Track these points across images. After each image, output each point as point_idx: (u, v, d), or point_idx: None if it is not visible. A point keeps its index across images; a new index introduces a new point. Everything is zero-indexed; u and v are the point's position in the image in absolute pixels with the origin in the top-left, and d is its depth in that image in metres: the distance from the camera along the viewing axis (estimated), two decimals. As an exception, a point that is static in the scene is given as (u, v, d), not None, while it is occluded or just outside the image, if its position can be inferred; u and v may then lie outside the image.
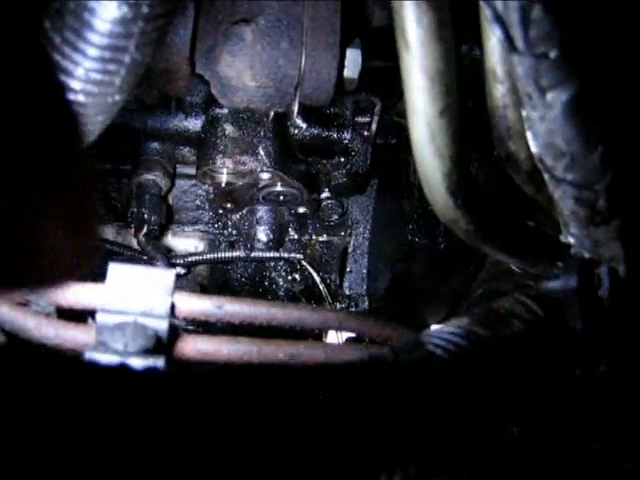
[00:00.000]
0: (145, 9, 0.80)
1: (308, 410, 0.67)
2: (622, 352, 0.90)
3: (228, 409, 0.63)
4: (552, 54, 0.75)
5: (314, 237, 2.04)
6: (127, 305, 0.97)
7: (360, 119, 1.63)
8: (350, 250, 2.10)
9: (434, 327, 0.86)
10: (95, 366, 0.60)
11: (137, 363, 0.80)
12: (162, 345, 0.94)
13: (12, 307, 0.98)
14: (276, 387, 0.67)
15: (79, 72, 0.85)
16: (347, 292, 2.10)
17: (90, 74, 0.85)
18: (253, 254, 1.89)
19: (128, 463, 0.56)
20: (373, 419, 0.69)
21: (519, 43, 0.76)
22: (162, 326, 0.96)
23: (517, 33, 0.75)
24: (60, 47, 0.84)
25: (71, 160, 0.52)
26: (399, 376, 0.73)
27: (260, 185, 1.66)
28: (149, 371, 0.63)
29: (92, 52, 0.83)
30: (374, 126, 1.61)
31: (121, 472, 0.56)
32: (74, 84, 0.86)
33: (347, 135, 1.67)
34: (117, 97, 0.90)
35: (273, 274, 2.06)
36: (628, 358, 0.91)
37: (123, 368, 0.59)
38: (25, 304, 1.01)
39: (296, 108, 1.44)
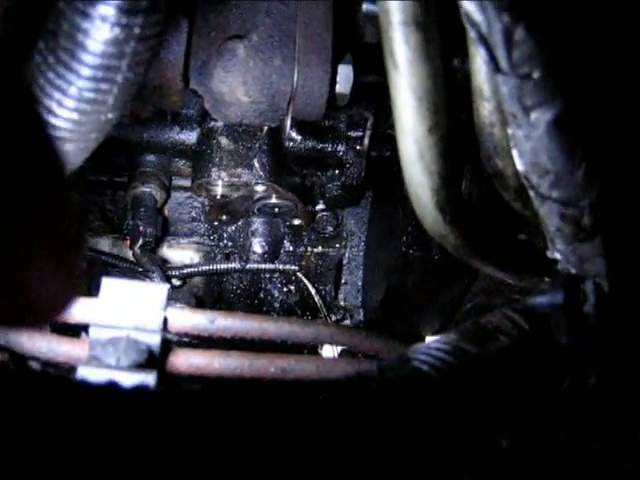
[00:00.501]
0: (137, 30, 0.81)
1: (294, 426, 0.68)
2: (608, 365, 0.91)
3: (217, 425, 0.64)
4: (535, 75, 0.77)
5: (309, 249, 2.05)
6: (120, 320, 0.98)
7: (353, 133, 1.64)
8: (345, 262, 2.11)
9: (421, 343, 0.87)
10: (85, 384, 0.61)
11: (128, 379, 0.81)
12: (154, 359, 0.95)
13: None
14: (263, 403, 0.68)
15: (73, 91, 0.86)
16: (342, 304, 2.11)
17: (83, 93, 0.86)
18: (248, 266, 1.90)
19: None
20: (358, 435, 0.70)
21: (503, 64, 0.77)
22: (155, 340, 0.97)
23: (501, 54, 0.76)
24: (54, 66, 0.85)
25: (54, 189, 0.52)
26: (384, 393, 0.74)
27: (255, 197, 1.67)
28: (140, 389, 0.64)
29: (85, 72, 0.85)
30: (367, 140, 1.62)
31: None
32: (68, 102, 0.88)
33: (341, 148, 1.68)
34: (110, 115, 0.91)
35: (268, 286, 2.07)
36: (614, 370, 0.92)
37: (113, 386, 0.59)
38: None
39: (289, 123, 1.46)
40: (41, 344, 0.97)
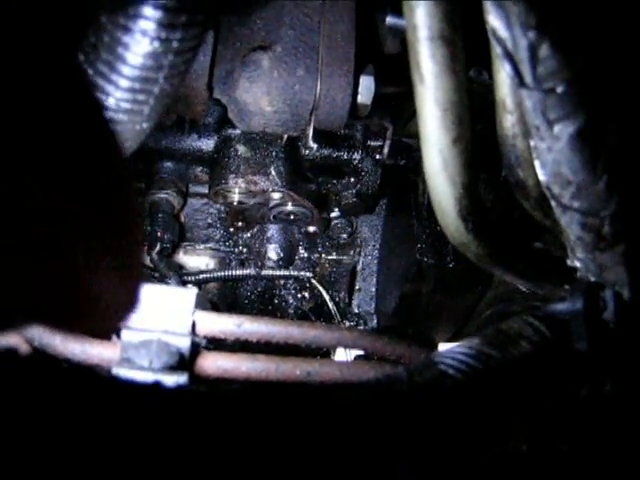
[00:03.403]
0: (175, 44, 0.84)
1: (324, 428, 0.70)
2: (626, 372, 0.94)
3: (245, 426, 0.66)
4: (559, 89, 0.80)
5: (324, 256, 2.06)
6: (150, 323, 1.01)
7: (372, 143, 1.66)
8: (359, 269, 2.12)
9: (445, 346, 0.90)
10: (126, 382, 0.64)
11: (164, 380, 0.84)
12: (184, 362, 0.98)
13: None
14: (294, 404, 0.71)
15: (110, 102, 0.89)
16: (356, 310, 2.12)
17: (121, 104, 0.90)
18: (263, 272, 1.92)
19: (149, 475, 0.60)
20: (389, 436, 0.73)
21: (528, 79, 0.80)
22: (184, 343, 1.00)
23: (526, 70, 0.79)
24: (93, 79, 0.88)
25: (116, 186, 0.55)
26: (414, 394, 0.76)
27: (271, 204, 1.69)
28: (179, 388, 0.67)
29: (123, 83, 0.88)
30: (386, 150, 1.65)
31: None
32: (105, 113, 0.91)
33: (357, 156, 1.70)
34: (145, 125, 0.94)
35: (283, 292, 2.09)
36: (633, 377, 0.94)
37: (155, 385, 0.62)
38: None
39: (311, 133, 1.48)
40: (74, 346, 1.00)
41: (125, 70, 0.86)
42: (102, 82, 0.88)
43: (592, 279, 0.95)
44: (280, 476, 0.67)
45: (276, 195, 1.66)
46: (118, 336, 1.01)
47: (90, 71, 0.88)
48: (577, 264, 0.95)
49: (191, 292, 1.05)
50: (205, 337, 1.05)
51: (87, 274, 0.49)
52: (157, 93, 0.89)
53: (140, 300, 0.55)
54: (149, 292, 1.04)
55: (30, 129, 0.46)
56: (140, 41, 0.83)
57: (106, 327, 0.56)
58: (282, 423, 0.69)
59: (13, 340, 0.96)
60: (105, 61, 0.86)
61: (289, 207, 1.70)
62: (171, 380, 0.87)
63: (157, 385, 0.63)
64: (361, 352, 1.63)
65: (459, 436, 0.77)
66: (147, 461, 0.59)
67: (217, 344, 1.29)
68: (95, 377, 0.63)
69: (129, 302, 0.56)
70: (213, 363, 1.04)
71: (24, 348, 0.96)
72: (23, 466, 0.55)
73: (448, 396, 0.77)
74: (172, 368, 0.94)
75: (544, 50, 0.78)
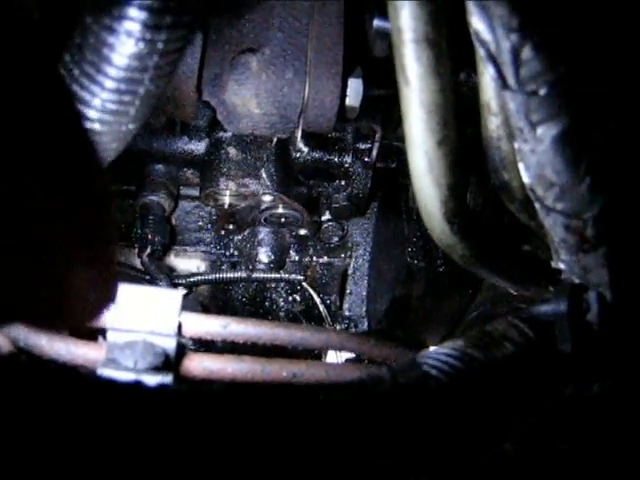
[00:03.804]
0: (160, 45, 0.85)
1: (308, 427, 0.70)
2: (610, 373, 0.94)
3: (231, 425, 0.66)
4: (542, 91, 0.80)
5: (315, 259, 2.07)
6: (136, 324, 1.01)
7: (361, 146, 1.67)
8: (350, 272, 2.13)
9: (430, 349, 0.90)
10: (108, 382, 0.64)
11: (147, 381, 0.84)
12: (170, 363, 0.98)
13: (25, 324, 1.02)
14: (277, 404, 0.71)
15: (96, 102, 0.90)
16: (347, 313, 2.13)
17: (106, 104, 0.90)
18: (254, 275, 1.92)
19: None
20: (371, 436, 0.73)
21: (511, 81, 0.80)
22: (170, 345, 1.00)
23: (509, 72, 0.80)
24: (79, 79, 0.89)
25: (90, 186, 0.55)
26: (397, 395, 0.77)
27: (262, 207, 1.69)
28: (160, 387, 0.67)
29: (109, 84, 0.88)
30: (375, 152, 1.65)
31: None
32: (91, 113, 0.91)
33: (348, 159, 1.70)
34: (131, 126, 0.94)
35: (274, 295, 2.09)
36: (617, 378, 0.95)
37: (136, 384, 0.62)
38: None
39: (299, 135, 1.49)
40: (59, 346, 1.00)
41: (110, 71, 0.87)
42: (88, 83, 0.88)
43: (576, 281, 0.95)
44: (262, 475, 0.67)
45: (267, 198, 1.67)
46: (104, 337, 1.01)
47: (76, 72, 0.88)
48: (561, 266, 0.95)
49: (178, 293, 1.05)
50: (192, 339, 1.06)
51: (65, 270, 0.49)
52: (143, 94, 0.90)
53: (116, 296, 0.55)
54: (136, 293, 1.04)
55: (11, 130, 0.47)
56: (125, 42, 0.83)
57: (83, 322, 0.56)
58: (265, 422, 0.69)
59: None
60: (90, 62, 0.87)
61: (280, 210, 1.71)
62: (155, 380, 0.87)
63: (138, 384, 0.63)
64: (351, 355, 1.64)
65: (441, 436, 0.77)
66: (128, 459, 0.59)
67: (207, 346, 1.29)
68: (76, 376, 0.63)
69: (105, 297, 0.56)
70: (199, 364, 1.04)
71: (7, 348, 0.96)
72: (5, 465, 0.55)
73: (431, 396, 0.78)
74: (157, 369, 0.94)
75: (527, 52, 0.79)
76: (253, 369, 1.04)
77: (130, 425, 0.60)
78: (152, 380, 0.85)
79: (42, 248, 0.50)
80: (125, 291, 1.04)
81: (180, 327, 1.03)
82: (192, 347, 1.25)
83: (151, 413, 0.61)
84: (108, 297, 0.56)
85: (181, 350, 1.02)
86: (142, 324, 1.01)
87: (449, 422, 0.78)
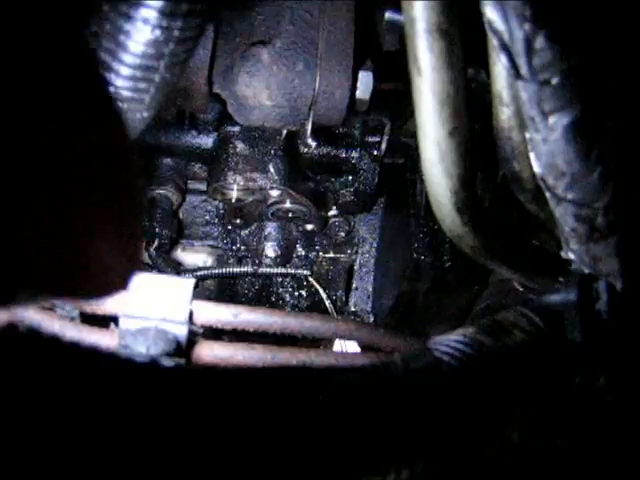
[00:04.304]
0: (176, 32, 0.85)
1: (317, 410, 0.71)
2: (619, 363, 0.95)
3: (243, 405, 0.67)
4: (554, 81, 0.81)
5: (321, 254, 2.08)
6: (148, 311, 1.02)
7: (370, 139, 1.67)
8: (356, 267, 2.13)
9: (441, 336, 0.90)
10: (131, 361, 0.64)
11: (167, 363, 0.84)
12: (182, 349, 0.99)
13: (38, 311, 1.03)
14: (288, 388, 0.72)
15: (111, 90, 0.90)
16: (352, 309, 2.13)
17: (122, 92, 0.91)
18: (261, 270, 1.93)
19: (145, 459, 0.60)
20: (382, 419, 0.74)
21: (523, 70, 0.81)
22: (182, 332, 1.01)
23: (522, 61, 0.80)
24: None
25: (119, 167, 0.55)
26: (408, 379, 0.77)
27: (269, 202, 1.70)
28: (177, 367, 0.68)
29: (125, 71, 0.89)
30: (384, 146, 1.66)
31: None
32: (106, 101, 0.92)
33: (355, 154, 1.71)
34: (145, 113, 0.95)
35: (280, 290, 2.10)
36: (625, 369, 0.95)
37: (153, 363, 0.63)
38: (51, 308, 1.06)
39: (309, 127, 1.49)
40: (72, 333, 1.01)
41: (126, 58, 0.88)
42: (103, 71, 0.89)
43: (586, 271, 0.95)
44: (276, 455, 0.68)
45: (274, 192, 1.67)
46: (116, 324, 1.02)
47: (92, 60, 0.89)
48: (571, 256, 0.96)
49: (189, 282, 1.06)
50: (202, 326, 1.06)
51: (87, 239, 0.50)
52: (158, 82, 0.90)
53: (137, 269, 0.56)
54: (148, 281, 1.05)
55: (41, 100, 0.47)
56: (141, 29, 0.84)
57: (104, 293, 0.57)
58: (279, 402, 0.69)
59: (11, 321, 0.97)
60: (107, 49, 0.87)
61: (287, 205, 1.71)
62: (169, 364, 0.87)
63: (155, 363, 0.64)
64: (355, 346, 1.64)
65: (453, 420, 0.78)
66: (144, 438, 0.60)
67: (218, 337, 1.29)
68: (94, 354, 0.64)
69: (127, 270, 0.56)
70: (210, 351, 1.05)
71: (30, 313, 0.96)
72: (22, 444, 0.56)
73: (442, 381, 0.78)
74: (169, 355, 0.95)
75: (540, 42, 0.79)
76: (263, 357, 1.05)
77: (147, 403, 0.61)
78: (171, 363, 0.86)
79: (67, 217, 0.50)
80: (137, 278, 1.05)
81: (191, 315, 1.04)
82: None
83: (169, 391, 0.62)
84: (131, 268, 0.57)
85: (192, 337, 1.03)
86: (154, 311, 1.02)
87: (460, 407, 0.79)
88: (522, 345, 0.89)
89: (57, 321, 1.02)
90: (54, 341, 0.63)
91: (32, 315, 1.01)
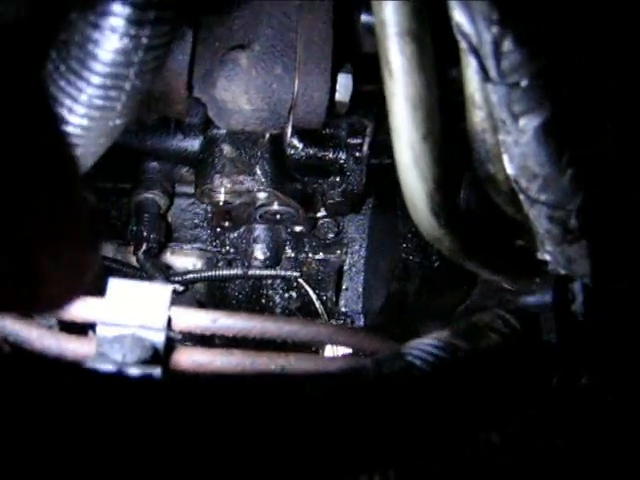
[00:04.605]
0: (145, 40, 0.85)
1: (292, 414, 0.71)
2: (596, 363, 0.95)
3: (218, 414, 0.67)
4: (523, 83, 0.81)
5: (310, 255, 2.08)
6: (126, 318, 1.02)
7: (353, 141, 1.67)
8: (346, 268, 2.13)
9: (416, 340, 0.91)
10: (95, 373, 0.65)
11: (134, 372, 0.85)
12: (159, 356, 0.99)
13: (16, 319, 1.03)
14: (263, 394, 0.72)
15: (83, 98, 0.90)
16: (343, 309, 2.13)
17: (93, 100, 0.91)
18: (250, 272, 1.93)
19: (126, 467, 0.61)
20: (353, 424, 0.74)
21: (492, 73, 0.81)
22: (159, 338, 1.01)
23: (490, 64, 0.81)
24: (65, 74, 0.90)
25: (67, 186, 0.56)
26: (380, 384, 0.77)
27: (257, 204, 1.69)
28: (145, 378, 0.68)
29: (95, 80, 0.89)
30: (366, 147, 1.66)
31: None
32: (78, 109, 0.92)
33: (342, 155, 1.70)
34: (118, 121, 0.95)
35: (270, 292, 2.10)
36: (602, 368, 0.95)
37: (121, 375, 0.63)
38: (29, 316, 1.06)
39: (289, 130, 1.49)
40: (50, 341, 1.01)
41: (96, 67, 0.87)
42: (74, 78, 0.89)
43: (561, 272, 0.96)
44: (247, 461, 0.68)
45: (262, 195, 1.67)
46: (94, 331, 1.02)
47: (62, 68, 0.89)
48: (547, 257, 0.96)
49: (167, 288, 1.06)
50: (188, 336, 1.07)
51: (35, 253, 0.50)
52: (128, 89, 0.90)
53: (86, 284, 0.56)
54: (125, 287, 1.05)
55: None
56: (110, 38, 0.84)
57: (55, 309, 0.57)
58: (251, 410, 0.70)
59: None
60: (76, 58, 0.87)
61: (275, 207, 1.71)
62: (142, 372, 0.87)
63: (120, 374, 0.64)
64: (347, 349, 1.65)
65: (424, 423, 0.78)
66: (112, 447, 0.60)
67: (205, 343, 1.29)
68: (60, 365, 0.64)
69: (74, 283, 0.57)
70: (188, 358, 1.05)
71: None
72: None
73: (414, 386, 0.78)
74: (146, 362, 0.94)
75: (507, 44, 0.79)
76: (242, 362, 1.05)
77: (113, 413, 0.61)
78: (138, 372, 0.86)
79: (17, 232, 0.50)
80: (115, 285, 1.05)
81: (170, 321, 1.04)
82: (187, 344, 1.25)
83: (133, 401, 0.62)
84: (78, 285, 0.57)
85: (170, 344, 1.03)
86: (132, 318, 1.02)
87: (432, 411, 0.79)
88: (497, 347, 0.89)
89: (35, 330, 1.02)
90: (20, 353, 0.63)
91: (10, 324, 1.01)
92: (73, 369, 0.62)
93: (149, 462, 0.62)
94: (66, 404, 0.60)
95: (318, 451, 0.72)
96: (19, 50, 0.55)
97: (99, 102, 0.91)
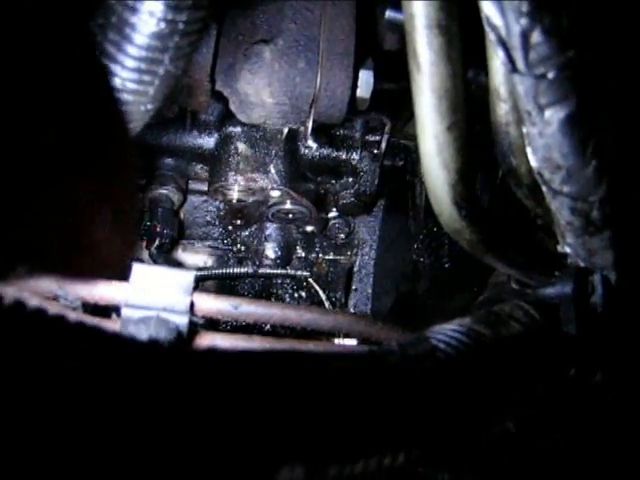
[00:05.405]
0: (181, 25, 0.87)
1: (317, 390, 0.72)
2: (613, 354, 0.96)
3: (241, 388, 0.68)
4: (550, 75, 0.82)
5: (321, 255, 2.08)
6: (150, 301, 1.03)
7: (370, 138, 1.69)
8: (356, 269, 2.14)
9: (438, 326, 0.92)
10: (127, 339, 0.65)
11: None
12: (183, 339, 1.00)
13: (41, 301, 1.04)
14: (285, 371, 0.73)
15: (117, 82, 0.92)
16: (352, 310, 2.14)
17: (127, 84, 0.92)
18: (261, 270, 1.93)
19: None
20: (378, 403, 0.75)
21: (520, 65, 0.83)
22: (183, 321, 1.02)
23: (518, 55, 0.82)
24: (100, 59, 0.91)
25: (117, 153, 0.57)
26: (406, 365, 0.79)
27: (270, 203, 1.71)
28: (175, 347, 0.69)
29: (130, 63, 0.90)
30: (384, 145, 1.67)
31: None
32: (111, 92, 0.94)
33: (356, 156, 1.72)
34: (150, 106, 0.97)
35: (280, 291, 2.10)
36: (620, 361, 0.97)
37: (152, 343, 0.64)
38: (54, 299, 1.07)
39: (310, 125, 1.51)
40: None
41: (132, 50, 0.89)
42: (109, 62, 0.91)
43: (582, 264, 0.97)
44: (274, 438, 0.69)
45: (275, 193, 1.68)
46: (118, 314, 1.03)
47: (97, 52, 0.90)
48: (567, 249, 0.97)
49: (190, 273, 1.08)
50: (204, 317, 1.08)
51: (85, 220, 0.51)
52: (162, 74, 0.92)
53: (134, 249, 0.57)
54: (149, 272, 1.06)
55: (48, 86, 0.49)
56: (147, 22, 0.86)
57: (101, 272, 0.58)
58: (277, 386, 0.70)
59: (21, 293, 0.98)
60: (112, 41, 0.89)
61: (288, 205, 1.72)
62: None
63: (155, 343, 0.65)
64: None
65: (448, 406, 0.79)
66: (145, 417, 0.61)
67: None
68: (98, 332, 0.65)
69: (123, 251, 0.58)
70: (210, 342, 1.06)
71: (33, 301, 0.97)
72: (25, 422, 0.57)
73: (439, 368, 0.80)
74: (170, 344, 0.96)
75: (536, 36, 0.81)
76: (262, 347, 1.06)
77: (148, 382, 0.62)
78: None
79: (68, 199, 0.52)
80: (139, 270, 1.07)
81: (192, 306, 1.06)
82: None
83: (170, 371, 0.63)
84: (129, 247, 0.58)
85: (193, 328, 1.04)
86: (156, 301, 1.03)
87: (455, 393, 0.80)
88: (518, 336, 0.90)
89: (60, 311, 1.03)
90: (59, 318, 0.64)
91: (35, 304, 1.02)
92: (112, 336, 0.64)
93: (182, 429, 0.63)
94: (105, 369, 0.61)
95: (343, 428, 0.73)
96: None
97: (133, 86, 0.93)
